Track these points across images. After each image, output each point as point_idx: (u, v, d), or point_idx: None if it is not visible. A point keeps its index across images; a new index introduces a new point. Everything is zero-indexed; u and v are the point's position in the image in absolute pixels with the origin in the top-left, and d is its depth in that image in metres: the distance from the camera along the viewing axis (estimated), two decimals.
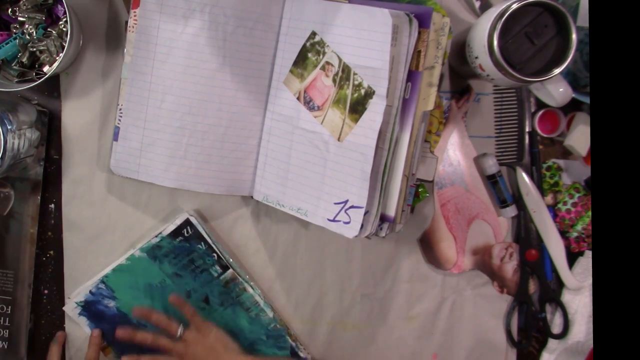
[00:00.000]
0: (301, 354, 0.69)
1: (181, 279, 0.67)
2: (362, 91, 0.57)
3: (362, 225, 0.57)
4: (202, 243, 0.67)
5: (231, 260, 0.68)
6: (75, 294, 0.67)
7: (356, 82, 0.57)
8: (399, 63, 0.56)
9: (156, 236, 0.67)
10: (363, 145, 0.56)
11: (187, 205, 0.68)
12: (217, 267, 0.68)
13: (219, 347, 0.64)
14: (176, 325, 0.65)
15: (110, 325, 0.67)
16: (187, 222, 0.66)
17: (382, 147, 0.57)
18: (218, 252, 0.67)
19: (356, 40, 0.56)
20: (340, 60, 0.58)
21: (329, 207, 0.59)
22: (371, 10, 0.55)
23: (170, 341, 0.65)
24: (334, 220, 0.59)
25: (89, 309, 0.67)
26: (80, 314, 0.67)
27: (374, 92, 0.56)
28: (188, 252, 0.67)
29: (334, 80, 0.58)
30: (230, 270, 0.68)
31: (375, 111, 0.56)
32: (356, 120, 0.57)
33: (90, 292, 0.67)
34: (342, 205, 0.58)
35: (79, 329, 0.68)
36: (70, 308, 0.67)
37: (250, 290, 0.68)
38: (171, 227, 0.67)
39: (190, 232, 0.67)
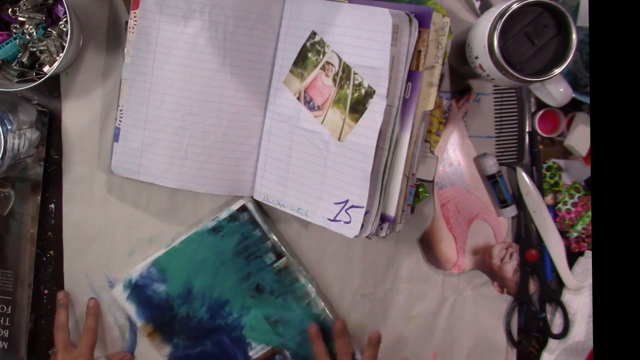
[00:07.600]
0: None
1: (234, 265, 0.67)
2: (363, 91, 0.57)
3: (362, 225, 0.57)
4: (258, 230, 0.67)
5: (284, 249, 0.68)
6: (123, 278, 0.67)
7: (356, 82, 0.57)
8: (399, 63, 0.56)
9: (212, 220, 0.67)
10: (363, 145, 0.56)
11: (186, 205, 0.68)
12: (272, 255, 0.67)
13: None
14: None
15: (158, 311, 0.67)
16: (243, 208, 0.66)
17: (382, 146, 0.57)
18: (273, 239, 0.67)
19: (356, 39, 0.56)
20: (340, 60, 0.58)
21: (330, 206, 0.59)
22: (371, 9, 0.55)
23: None
24: (334, 220, 0.59)
25: (138, 293, 0.67)
26: (128, 298, 0.66)
27: (374, 91, 0.56)
28: (243, 238, 0.67)
29: (334, 80, 0.58)
30: (284, 258, 0.67)
31: (375, 111, 0.56)
32: (356, 120, 0.57)
33: (141, 275, 0.67)
34: (342, 205, 0.58)
35: (108, 329, 0.68)
36: (119, 292, 0.66)
37: (302, 279, 0.68)
38: (227, 212, 0.66)
39: (246, 219, 0.66)
